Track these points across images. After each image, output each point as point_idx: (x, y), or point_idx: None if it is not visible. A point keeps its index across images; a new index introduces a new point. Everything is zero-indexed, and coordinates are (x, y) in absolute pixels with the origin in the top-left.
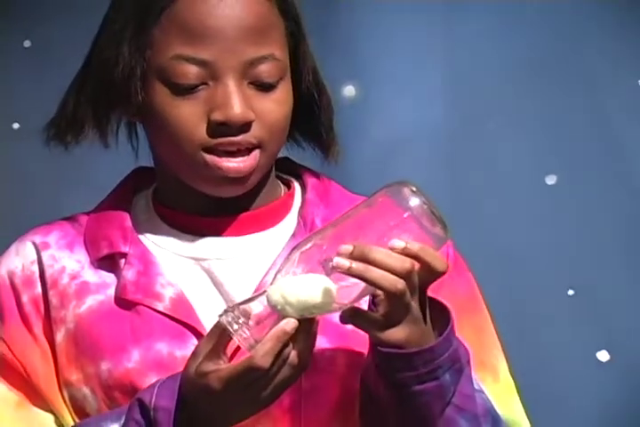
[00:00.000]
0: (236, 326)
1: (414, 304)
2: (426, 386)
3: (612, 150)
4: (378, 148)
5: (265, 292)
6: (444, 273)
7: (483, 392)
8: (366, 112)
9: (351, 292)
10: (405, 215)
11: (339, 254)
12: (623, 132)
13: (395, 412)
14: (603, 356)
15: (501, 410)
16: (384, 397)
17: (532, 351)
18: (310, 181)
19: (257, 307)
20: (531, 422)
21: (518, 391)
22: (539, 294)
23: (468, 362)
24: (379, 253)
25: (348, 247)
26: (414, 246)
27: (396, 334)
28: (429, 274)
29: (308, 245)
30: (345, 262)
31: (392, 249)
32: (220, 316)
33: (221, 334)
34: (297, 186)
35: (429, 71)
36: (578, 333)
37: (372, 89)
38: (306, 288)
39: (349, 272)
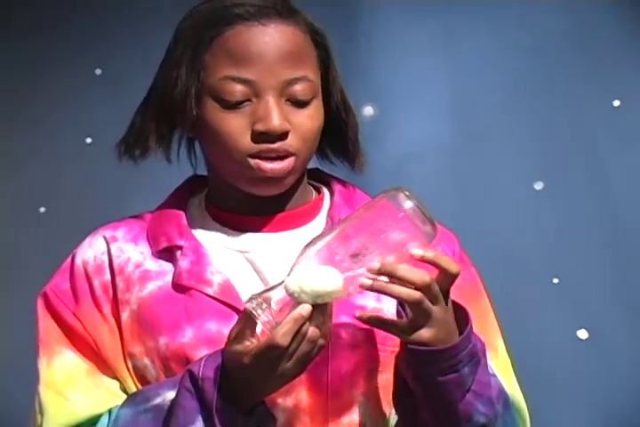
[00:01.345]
0: (259, 311)
1: (437, 309)
2: (448, 378)
3: (591, 160)
4: (392, 160)
5: (283, 282)
6: (457, 275)
7: (495, 376)
8: (382, 129)
9: (355, 280)
10: (400, 215)
11: (368, 269)
12: (600, 144)
13: (422, 398)
14: (582, 334)
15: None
16: (413, 385)
17: (522, 330)
18: (337, 187)
19: (277, 295)
20: (523, 393)
21: (514, 368)
22: (529, 282)
23: (484, 353)
24: (402, 271)
25: (375, 265)
26: (430, 254)
27: (422, 335)
28: (446, 277)
29: (319, 241)
30: (367, 282)
31: (412, 257)
32: (246, 302)
33: (248, 319)
34: (326, 191)
35: (436, 94)
36: (561, 314)
37: (387, 109)
38: (318, 279)
39: (372, 289)
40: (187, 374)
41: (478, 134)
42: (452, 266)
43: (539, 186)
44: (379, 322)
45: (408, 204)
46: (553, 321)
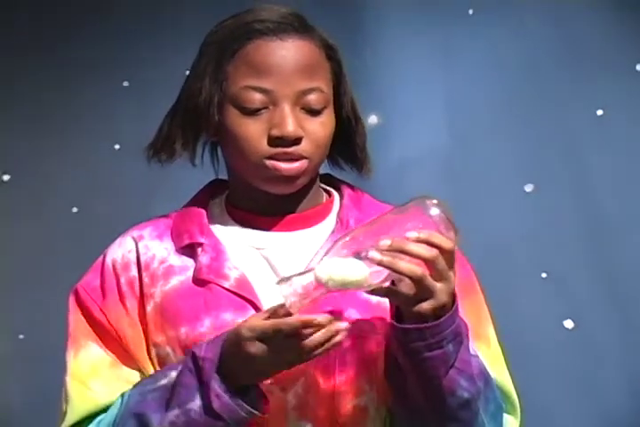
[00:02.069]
0: (287, 293)
1: (441, 285)
2: (433, 353)
3: (576, 165)
4: (394, 165)
5: (313, 268)
6: (452, 251)
7: (478, 357)
8: (385, 136)
9: (379, 275)
10: (428, 221)
11: (378, 247)
12: (585, 150)
13: (410, 373)
14: (568, 324)
15: (492, 372)
16: (402, 361)
17: (513, 320)
18: (347, 191)
19: (305, 279)
20: (514, 382)
21: (505, 356)
22: (519, 276)
23: (467, 335)
24: (411, 245)
25: (386, 242)
26: (425, 234)
27: (422, 306)
28: (444, 255)
29: (350, 236)
30: (377, 256)
31: (408, 239)
32: (277, 283)
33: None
34: (336, 195)
35: (435, 104)
36: (549, 306)
37: (390, 118)
38: (346, 269)
39: (380, 264)
40: (190, 355)
41: (473, 141)
42: (446, 243)
43: (529, 188)
44: (388, 292)
45: (435, 211)
46: (541, 312)
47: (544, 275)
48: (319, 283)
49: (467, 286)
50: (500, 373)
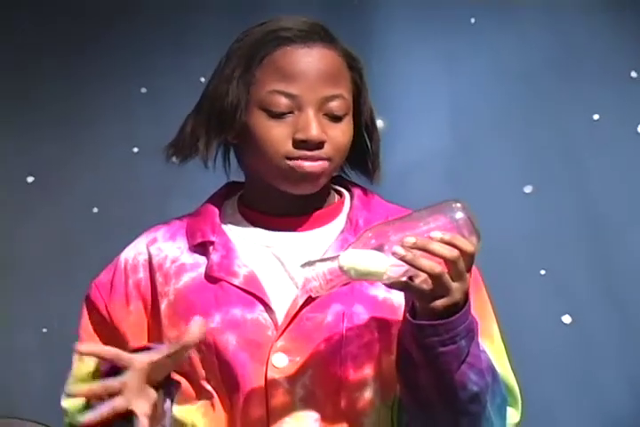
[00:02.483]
0: (309, 276)
1: (457, 285)
2: (447, 348)
3: (574, 167)
4: (400, 166)
5: (338, 256)
6: (472, 254)
7: (486, 352)
8: (391, 139)
9: (399, 270)
10: (452, 224)
11: (404, 243)
12: (581, 153)
13: (424, 367)
14: (566, 319)
15: (497, 366)
16: (416, 356)
17: (514, 316)
18: (357, 192)
19: (329, 266)
20: (515, 376)
21: (508, 354)
22: (520, 273)
23: (477, 331)
24: (434, 244)
25: (411, 239)
26: (447, 236)
27: (437, 304)
28: (464, 257)
29: (377, 230)
30: (401, 251)
31: (432, 238)
32: (301, 266)
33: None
34: (347, 196)
35: (438, 110)
36: (548, 302)
37: (395, 122)
38: (369, 260)
39: (403, 259)
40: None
41: (475, 145)
42: (467, 246)
43: (528, 189)
44: (406, 286)
45: (460, 215)
46: (541, 307)
47: (543, 272)
48: (342, 271)
49: (473, 284)
50: (503, 367)
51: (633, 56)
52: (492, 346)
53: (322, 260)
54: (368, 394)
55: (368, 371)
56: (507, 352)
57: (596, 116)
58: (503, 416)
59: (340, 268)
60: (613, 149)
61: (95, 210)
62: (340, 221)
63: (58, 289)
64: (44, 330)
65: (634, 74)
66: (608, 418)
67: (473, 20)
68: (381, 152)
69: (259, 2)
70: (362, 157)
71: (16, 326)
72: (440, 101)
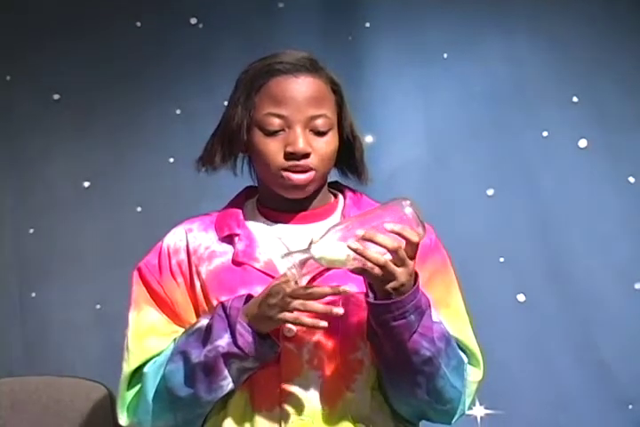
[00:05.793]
0: (289, 265)
1: (401, 270)
2: (398, 323)
3: (527, 174)
4: (384, 174)
5: (310, 247)
6: (417, 243)
7: (441, 323)
8: (378, 152)
9: (356, 258)
10: (403, 217)
11: (355, 236)
12: (534, 163)
13: (382, 337)
14: (521, 297)
15: (457, 335)
16: (377, 329)
17: (477, 295)
18: (349, 194)
19: (303, 256)
20: (478, 342)
21: (471, 323)
22: (482, 260)
23: (428, 306)
24: (380, 237)
25: (360, 232)
26: (398, 227)
27: (388, 286)
28: (410, 246)
29: (342, 225)
30: (353, 244)
31: (385, 229)
32: (281, 257)
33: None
34: (341, 197)
35: (416, 128)
36: (505, 283)
37: (381, 138)
38: (334, 251)
39: (355, 250)
40: (220, 304)
41: (446, 156)
42: (413, 236)
43: (490, 192)
44: (362, 271)
45: (408, 210)
46: (499, 288)
47: (502, 259)
48: (313, 259)
49: (441, 267)
50: (465, 335)
51: (575, 84)
52: (456, 317)
53: (298, 251)
54: (359, 356)
55: (358, 337)
56: (471, 322)
57: (545, 133)
58: (461, 374)
59: (312, 257)
60: (559, 160)
61: (139, 209)
62: (335, 217)
63: (109, 274)
64: (98, 306)
65: (575, 99)
66: (556, 380)
67: (445, 56)
68: (370, 161)
69: (271, 41)
70: (351, 163)
71: (75, 304)
72: (418, 121)
